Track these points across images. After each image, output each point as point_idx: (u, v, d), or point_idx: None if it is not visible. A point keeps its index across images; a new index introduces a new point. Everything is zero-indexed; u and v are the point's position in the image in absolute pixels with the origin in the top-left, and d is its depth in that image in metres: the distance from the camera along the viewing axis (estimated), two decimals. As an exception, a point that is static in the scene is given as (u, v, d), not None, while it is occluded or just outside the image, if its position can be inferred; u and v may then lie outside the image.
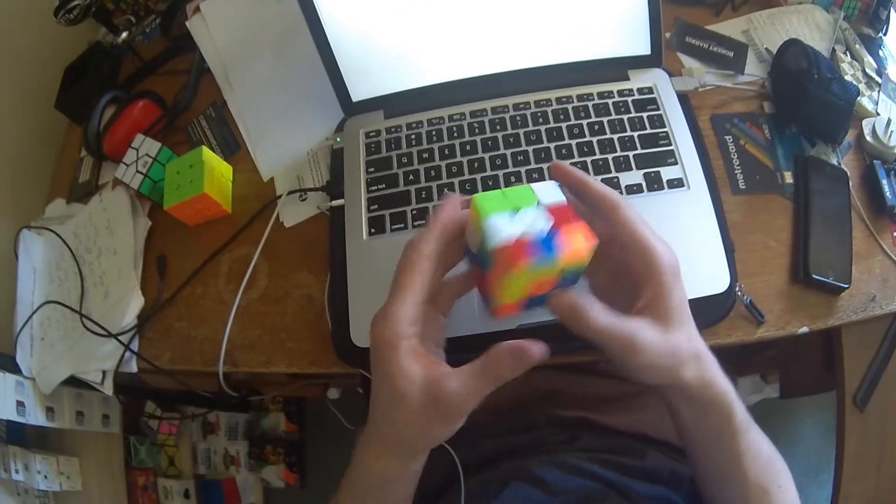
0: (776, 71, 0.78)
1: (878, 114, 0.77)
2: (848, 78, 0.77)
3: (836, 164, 0.74)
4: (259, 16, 0.88)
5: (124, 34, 0.98)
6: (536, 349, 0.44)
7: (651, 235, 0.48)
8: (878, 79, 0.80)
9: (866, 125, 0.75)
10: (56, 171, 0.99)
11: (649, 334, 0.45)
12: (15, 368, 0.83)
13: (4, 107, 1.03)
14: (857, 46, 0.82)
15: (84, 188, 0.91)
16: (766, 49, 0.81)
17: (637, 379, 0.48)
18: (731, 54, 0.81)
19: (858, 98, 0.75)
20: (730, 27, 0.83)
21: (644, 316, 0.47)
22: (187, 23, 0.89)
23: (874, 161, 0.74)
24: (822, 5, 0.85)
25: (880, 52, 0.83)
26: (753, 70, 0.80)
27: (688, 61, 0.80)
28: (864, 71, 0.81)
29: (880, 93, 0.79)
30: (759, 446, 0.50)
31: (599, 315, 0.45)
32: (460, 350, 0.62)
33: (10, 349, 0.85)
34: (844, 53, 0.81)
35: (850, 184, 0.72)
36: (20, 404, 0.81)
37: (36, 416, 0.83)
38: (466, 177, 0.70)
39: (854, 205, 0.71)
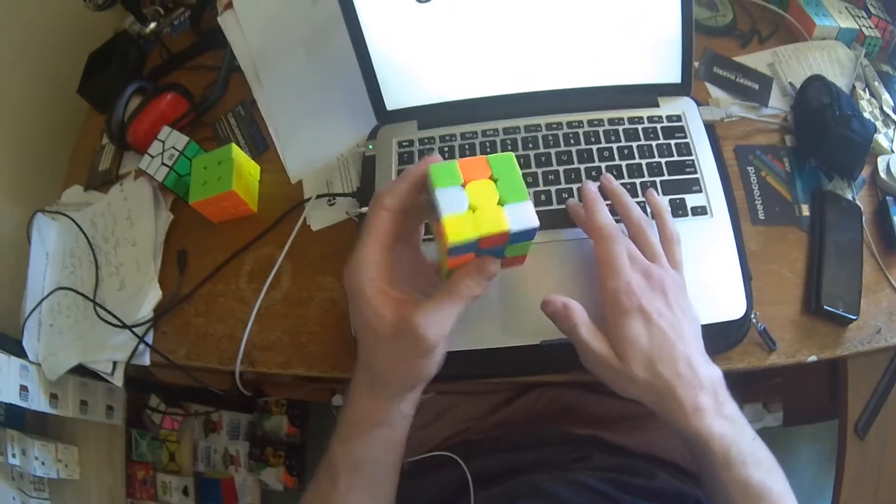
0: (799, 105, 0.79)
1: (893, 151, 0.78)
2: (866, 115, 0.78)
3: (852, 198, 0.75)
4: (292, 15, 0.88)
5: (152, 24, 0.98)
6: (492, 261, 0.50)
7: (606, 276, 0.55)
8: (894, 117, 0.81)
9: (881, 162, 0.76)
10: (74, 157, 0.98)
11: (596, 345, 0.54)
12: (21, 352, 0.82)
13: (23, 87, 1.02)
14: (876, 84, 0.84)
15: (103, 176, 0.91)
16: (790, 83, 0.82)
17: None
18: (757, 87, 0.82)
19: (875, 135, 0.76)
20: (756, 59, 0.85)
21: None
22: (219, 18, 0.88)
23: (887, 197, 0.75)
24: (844, 41, 0.86)
25: (898, 91, 0.84)
26: (777, 103, 0.81)
27: (715, 91, 0.81)
28: (881, 108, 0.82)
29: (896, 131, 0.80)
30: (745, 480, 0.51)
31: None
32: (482, 362, 0.64)
33: (17, 333, 0.85)
34: (864, 90, 0.83)
35: (864, 219, 0.73)
36: (23, 388, 0.80)
37: (39, 402, 0.82)
38: (496, 192, 0.70)
39: (866, 239, 0.73)
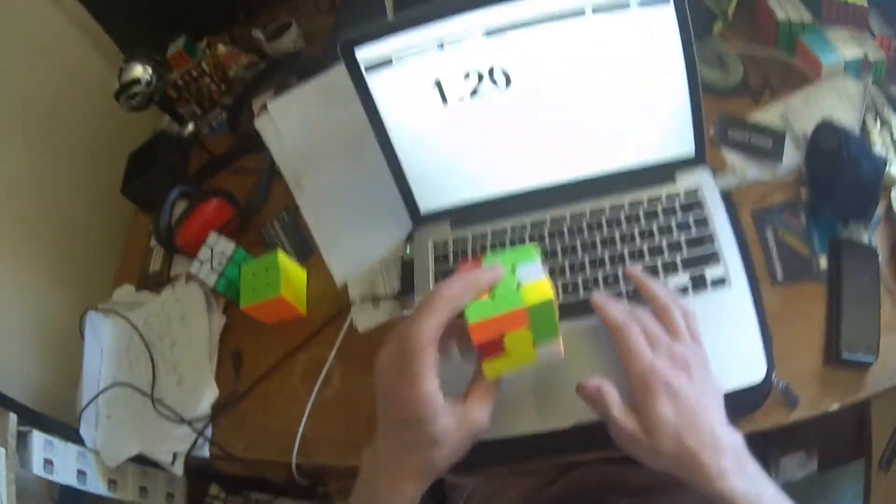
0: (811, 156, 0.78)
1: (905, 182, 0.75)
2: (878, 147, 0.77)
3: (867, 241, 0.73)
4: (327, 119, 0.89)
5: (190, 126, 0.99)
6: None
7: (629, 362, 0.58)
8: (905, 144, 0.78)
9: (895, 194, 0.75)
10: (124, 255, 1.02)
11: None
12: (78, 440, 0.86)
13: (68, 184, 1.07)
14: (886, 110, 0.81)
15: (155, 278, 0.95)
16: (803, 134, 0.81)
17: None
18: (770, 144, 0.81)
19: (887, 168, 0.74)
20: (769, 114, 0.84)
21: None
22: (255, 122, 0.89)
23: (903, 231, 0.72)
24: (852, 73, 0.84)
25: (907, 113, 0.81)
26: (791, 155, 0.81)
27: (730, 157, 0.82)
28: (891, 136, 0.79)
29: (907, 158, 0.77)
30: None
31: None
32: (520, 447, 0.67)
33: (72, 420, 0.89)
34: (875, 120, 0.81)
35: (880, 259, 0.72)
36: (81, 473, 0.84)
37: (96, 486, 0.85)
38: (528, 286, 0.73)
39: (883, 277, 0.71)
